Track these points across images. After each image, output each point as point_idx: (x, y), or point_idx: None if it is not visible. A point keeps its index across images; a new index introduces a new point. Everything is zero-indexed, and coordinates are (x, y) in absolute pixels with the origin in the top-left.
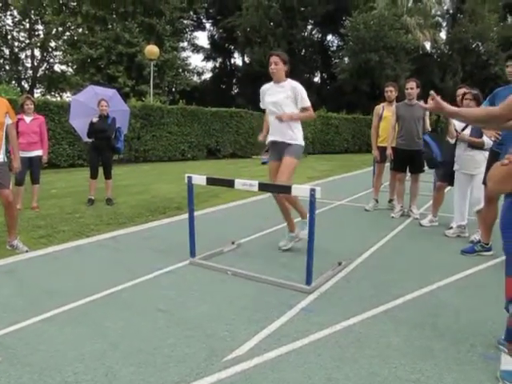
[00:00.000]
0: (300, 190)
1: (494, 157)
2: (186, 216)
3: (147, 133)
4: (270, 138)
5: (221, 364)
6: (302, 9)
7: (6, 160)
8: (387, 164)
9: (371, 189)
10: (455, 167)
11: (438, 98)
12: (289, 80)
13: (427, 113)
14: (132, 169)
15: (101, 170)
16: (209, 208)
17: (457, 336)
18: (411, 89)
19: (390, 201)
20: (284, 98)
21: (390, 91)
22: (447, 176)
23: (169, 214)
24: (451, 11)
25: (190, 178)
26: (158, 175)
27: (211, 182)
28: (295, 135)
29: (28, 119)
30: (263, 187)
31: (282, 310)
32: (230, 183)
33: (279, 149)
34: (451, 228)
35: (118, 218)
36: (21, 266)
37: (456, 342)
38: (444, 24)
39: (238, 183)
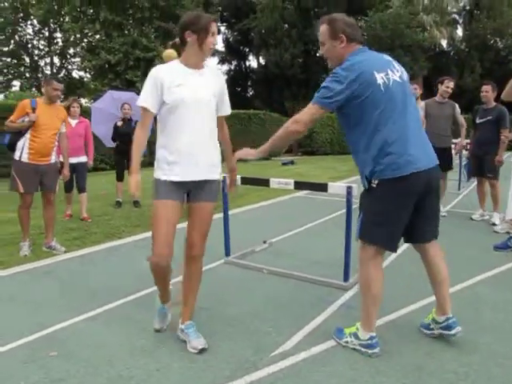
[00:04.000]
0: (336, 188)
1: None
2: (214, 217)
3: None
4: None
5: (269, 359)
6: (317, 10)
7: (57, 162)
8: None
9: None
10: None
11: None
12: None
13: (457, 110)
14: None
15: (126, 173)
16: (235, 209)
17: (498, 330)
18: (450, 88)
19: None
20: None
21: (415, 89)
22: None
23: None
24: (468, 7)
25: (224, 179)
26: None
27: (246, 181)
28: None
29: (73, 122)
30: (298, 186)
31: (323, 307)
32: (265, 182)
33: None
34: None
35: (146, 220)
36: (59, 266)
37: (499, 337)
38: (461, 21)
39: (274, 182)
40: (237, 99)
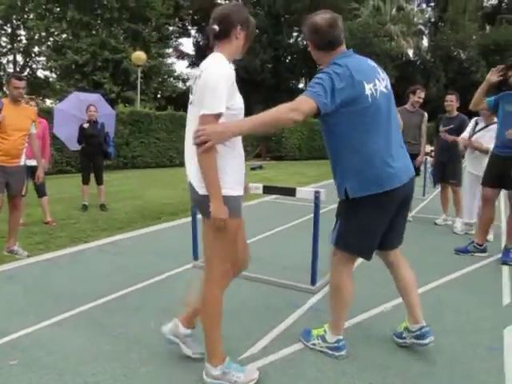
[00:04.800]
0: (304, 193)
1: (494, 159)
2: (181, 221)
3: (135, 139)
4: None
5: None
6: (287, 16)
7: (24, 165)
8: None
9: None
10: (467, 168)
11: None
12: None
13: (425, 119)
14: (121, 175)
15: (92, 176)
16: None
17: (460, 331)
18: (422, 98)
19: None
20: None
21: None
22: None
23: (164, 219)
24: (433, 20)
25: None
26: (148, 181)
27: None
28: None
29: None
30: (267, 190)
31: (291, 310)
32: None
33: None
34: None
35: (113, 224)
36: (23, 271)
37: (461, 337)
38: (426, 32)
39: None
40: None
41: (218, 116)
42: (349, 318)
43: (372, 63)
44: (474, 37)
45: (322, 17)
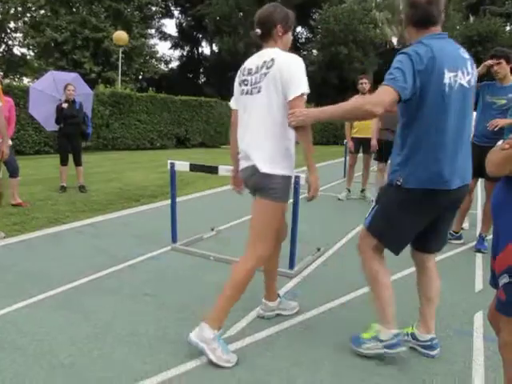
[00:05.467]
0: None
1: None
2: (161, 204)
3: (116, 120)
4: None
5: None
6: None
7: None
8: (360, 155)
9: (342, 179)
10: None
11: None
12: None
13: None
14: (101, 157)
15: (70, 157)
16: (183, 196)
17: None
18: (365, 84)
19: (363, 190)
20: None
21: (365, 83)
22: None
23: (143, 202)
24: None
25: (172, 164)
26: (128, 163)
27: (194, 168)
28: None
29: None
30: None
31: None
32: (213, 170)
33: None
34: None
35: (92, 205)
36: None
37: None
38: None
39: (222, 169)
40: (188, 85)
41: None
42: (355, 288)
43: (465, 54)
44: (458, 27)
45: None
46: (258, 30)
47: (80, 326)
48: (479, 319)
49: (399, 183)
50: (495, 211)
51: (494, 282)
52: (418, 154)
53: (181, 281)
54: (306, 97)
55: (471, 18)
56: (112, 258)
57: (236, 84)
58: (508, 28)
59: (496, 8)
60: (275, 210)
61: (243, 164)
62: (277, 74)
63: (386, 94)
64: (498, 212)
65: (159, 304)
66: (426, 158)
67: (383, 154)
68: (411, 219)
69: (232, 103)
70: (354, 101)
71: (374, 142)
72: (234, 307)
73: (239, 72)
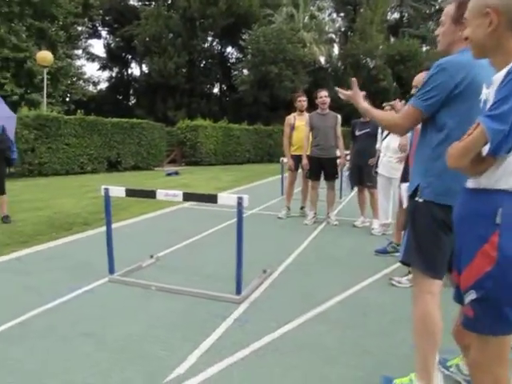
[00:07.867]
0: (226, 199)
1: None
2: (93, 232)
3: (42, 144)
4: None
5: None
6: (202, 20)
7: None
8: (299, 172)
9: (281, 197)
10: (379, 170)
11: (357, 89)
12: None
13: (339, 122)
14: (26, 183)
15: None
16: (118, 222)
17: (387, 331)
18: (325, 97)
19: (302, 208)
20: None
21: (304, 101)
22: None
23: (75, 231)
24: (343, 29)
25: (107, 190)
26: (57, 190)
27: (131, 193)
28: None
29: None
30: (187, 197)
31: (216, 323)
32: (151, 194)
33: None
34: (374, 228)
35: (17, 237)
36: None
37: (388, 338)
38: (337, 40)
39: (160, 194)
40: (118, 107)
41: None
42: (306, 310)
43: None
44: (381, 47)
45: None
46: None
47: (3, 381)
48: None
49: (418, 194)
50: (457, 224)
51: (458, 299)
52: (435, 165)
53: (121, 315)
54: None
55: (392, 39)
56: (41, 297)
57: None
58: (424, 49)
59: (413, 30)
60: None
61: None
62: None
63: (408, 117)
64: (459, 224)
65: (98, 344)
66: (445, 170)
67: (318, 171)
68: (433, 235)
69: None
70: (390, 115)
71: (305, 162)
72: (177, 342)
73: None
